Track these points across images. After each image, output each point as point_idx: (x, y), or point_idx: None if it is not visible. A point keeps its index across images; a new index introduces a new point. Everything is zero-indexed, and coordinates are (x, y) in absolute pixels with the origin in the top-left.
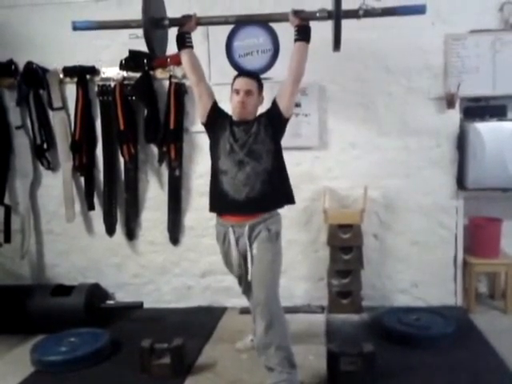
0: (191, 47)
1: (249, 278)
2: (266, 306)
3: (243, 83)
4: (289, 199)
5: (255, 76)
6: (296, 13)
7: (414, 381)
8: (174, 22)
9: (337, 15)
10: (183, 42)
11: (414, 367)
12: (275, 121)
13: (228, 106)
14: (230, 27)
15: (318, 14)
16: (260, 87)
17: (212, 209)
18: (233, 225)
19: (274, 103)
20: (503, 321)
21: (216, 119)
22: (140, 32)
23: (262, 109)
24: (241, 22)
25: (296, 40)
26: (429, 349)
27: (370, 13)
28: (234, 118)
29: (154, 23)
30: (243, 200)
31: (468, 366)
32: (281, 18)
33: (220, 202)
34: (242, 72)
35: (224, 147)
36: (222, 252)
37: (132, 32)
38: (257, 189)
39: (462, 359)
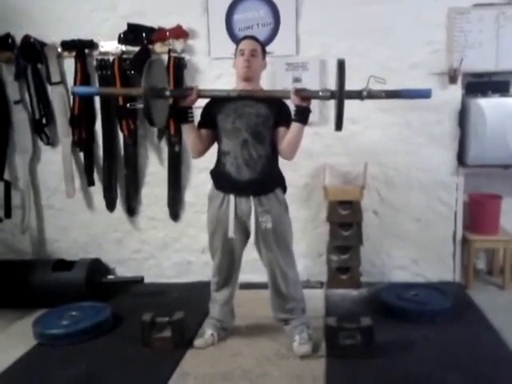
0: (193, 121)
1: (268, 225)
2: (287, 268)
3: (248, 44)
4: (284, 186)
5: (258, 40)
6: (298, 91)
7: (412, 355)
8: (174, 93)
9: (340, 96)
10: (185, 116)
11: (411, 342)
12: (278, 116)
13: (228, 80)
14: (230, 1)
15: (320, 94)
16: (263, 51)
17: (218, 187)
18: (236, 196)
19: (286, 115)
20: (501, 297)
21: (210, 110)
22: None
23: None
24: (242, 97)
25: (293, 120)
26: (427, 324)
27: (373, 95)
28: (240, 78)
29: (154, 93)
30: (246, 181)
31: (465, 340)
32: (282, 95)
33: (224, 182)
34: (245, 35)
35: (224, 127)
36: (212, 217)
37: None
38: (257, 171)
39: (459, 334)
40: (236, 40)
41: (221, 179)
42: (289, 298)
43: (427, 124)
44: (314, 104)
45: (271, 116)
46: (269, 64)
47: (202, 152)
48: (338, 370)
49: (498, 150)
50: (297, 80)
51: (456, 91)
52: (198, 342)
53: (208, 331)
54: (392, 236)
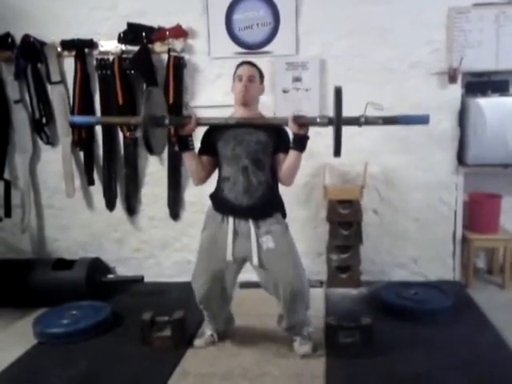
0: (193, 149)
1: (254, 261)
2: (298, 283)
3: (246, 70)
4: (284, 212)
5: (256, 66)
6: (296, 118)
7: (412, 354)
8: (174, 121)
9: (337, 123)
10: (186, 145)
11: (411, 341)
12: (277, 143)
13: (227, 79)
14: (229, 0)
15: (318, 120)
16: (261, 76)
17: (216, 209)
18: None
19: (285, 143)
20: (500, 296)
21: (210, 137)
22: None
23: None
24: (241, 125)
25: (291, 148)
26: (427, 323)
27: (370, 121)
28: (237, 104)
29: (153, 122)
30: (245, 207)
31: (465, 339)
32: (281, 122)
33: (223, 207)
34: (243, 61)
35: (225, 153)
36: (209, 237)
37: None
38: (257, 197)
39: (459, 333)
40: (236, 39)
41: (220, 203)
42: (295, 312)
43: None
44: (315, 105)
45: (270, 143)
46: (269, 63)
47: (203, 179)
48: (337, 369)
49: (498, 150)
50: (297, 79)
51: (456, 91)
52: (197, 342)
53: (208, 332)
54: (392, 235)
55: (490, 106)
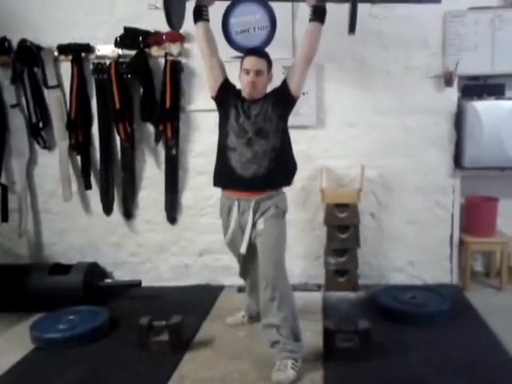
0: (207, 20)
1: (242, 250)
2: (276, 283)
3: (253, 63)
4: (290, 179)
5: (264, 54)
6: None
7: (410, 357)
8: None
9: None
10: (200, 14)
11: (409, 344)
12: (284, 100)
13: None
14: (226, 4)
15: None
16: (269, 65)
17: (216, 183)
18: (239, 198)
19: (284, 83)
20: (498, 299)
21: (227, 95)
22: (159, 2)
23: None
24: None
25: (310, 20)
26: (424, 326)
27: None
28: (244, 96)
29: None
30: (250, 177)
31: (463, 342)
32: None
33: (226, 178)
34: (251, 50)
35: (233, 125)
36: (224, 227)
37: (151, 3)
38: (264, 166)
39: (457, 336)
40: (232, 43)
41: (224, 175)
42: (272, 314)
43: (424, 127)
44: (312, 108)
45: (269, 107)
46: None
47: (208, 55)
48: (335, 373)
49: (494, 153)
50: None
51: (452, 94)
52: (229, 320)
53: (241, 312)
54: (389, 238)
55: (486, 109)
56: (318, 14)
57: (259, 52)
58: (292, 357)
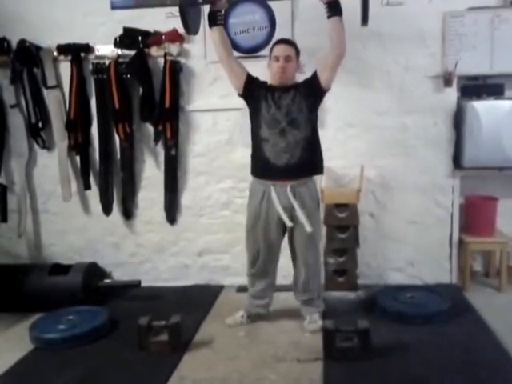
0: (222, 24)
1: (308, 229)
2: (313, 270)
3: (282, 49)
4: (321, 168)
5: (292, 42)
6: None
7: (409, 357)
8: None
9: None
10: (215, 19)
11: (409, 344)
12: (314, 92)
13: (224, 83)
14: None
15: None
16: (297, 53)
17: (253, 173)
18: (274, 184)
19: (315, 75)
20: (497, 299)
21: (254, 89)
22: (176, 10)
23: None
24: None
25: (329, 16)
26: (424, 326)
27: None
28: (274, 83)
29: (188, 1)
30: (283, 166)
31: (462, 342)
32: None
33: (261, 168)
34: (279, 40)
35: (265, 116)
36: (253, 212)
37: (168, 11)
38: (296, 156)
39: (456, 336)
40: (232, 43)
41: (259, 165)
42: (307, 288)
43: (423, 127)
44: None
45: (301, 98)
46: (263, 68)
47: (224, 58)
48: (335, 373)
49: (494, 152)
50: None
51: (451, 94)
52: (229, 320)
53: (240, 312)
54: (388, 238)
55: (485, 109)
56: (335, 9)
57: (287, 40)
58: (318, 310)
